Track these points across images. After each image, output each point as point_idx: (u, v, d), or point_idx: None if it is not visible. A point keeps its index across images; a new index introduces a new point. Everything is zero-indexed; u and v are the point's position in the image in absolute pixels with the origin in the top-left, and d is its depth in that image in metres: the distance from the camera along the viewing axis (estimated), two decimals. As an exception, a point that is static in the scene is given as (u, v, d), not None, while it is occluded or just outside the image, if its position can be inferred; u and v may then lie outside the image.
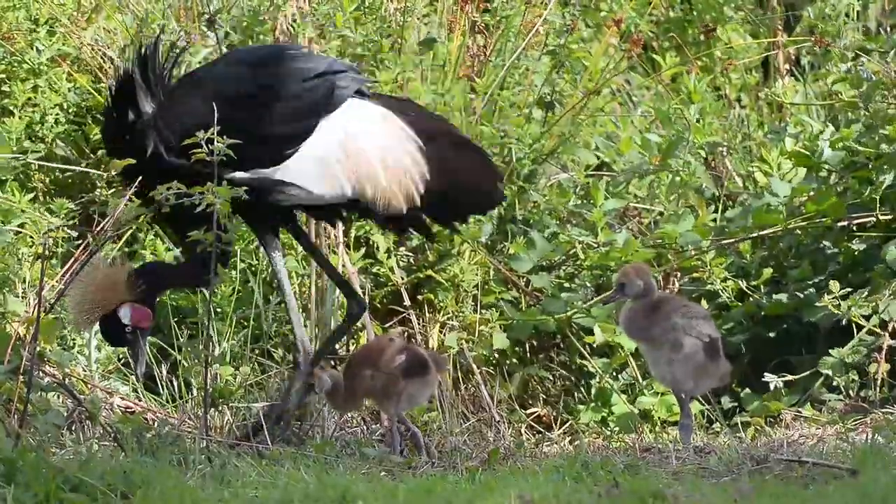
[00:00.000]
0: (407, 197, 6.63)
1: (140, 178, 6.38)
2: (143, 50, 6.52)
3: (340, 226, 7.91)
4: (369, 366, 6.79)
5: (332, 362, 7.06)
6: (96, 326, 6.68)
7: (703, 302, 8.18)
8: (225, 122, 6.31)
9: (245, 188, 6.31)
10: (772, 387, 7.77)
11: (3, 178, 8.05)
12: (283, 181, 6.54)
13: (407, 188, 6.63)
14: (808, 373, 7.84)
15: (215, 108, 6.30)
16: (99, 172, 8.19)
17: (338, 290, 7.59)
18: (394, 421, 6.89)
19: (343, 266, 7.82)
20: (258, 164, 6.50)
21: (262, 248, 6.83)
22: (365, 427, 7.19)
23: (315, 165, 6.53)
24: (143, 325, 6.58)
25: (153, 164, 6.45)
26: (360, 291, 7.62)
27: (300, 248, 7.67)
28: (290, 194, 6.55)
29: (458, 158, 6.75)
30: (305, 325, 7.85)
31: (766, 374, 7.79)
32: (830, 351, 7.79)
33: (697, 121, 8.56)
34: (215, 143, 6.18)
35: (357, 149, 6.57)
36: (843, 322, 7.75)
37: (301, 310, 7.90)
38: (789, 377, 7.80)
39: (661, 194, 8.56)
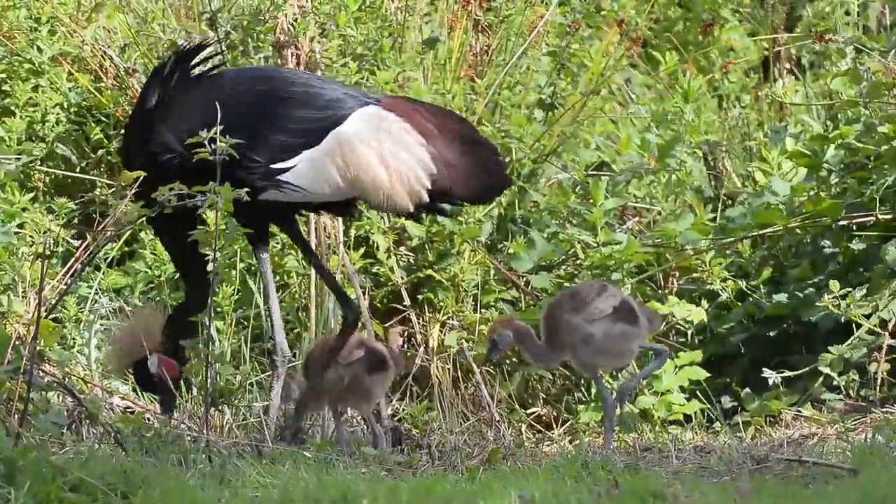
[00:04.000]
0: (412, 196, 6.65)
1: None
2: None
3: (340, 226, 7.91)
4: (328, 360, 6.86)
5: None
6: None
7: (703, 302, 8.15)
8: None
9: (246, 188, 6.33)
10: (770, 383, 7.77)
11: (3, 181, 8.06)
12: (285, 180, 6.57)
13: (412, 188, 6.65)
14: (807, 370, 7.85)
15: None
16: (96, 179, 8.20)
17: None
18: (370, 418, 6.91)
19: (343, 266, 7.82)
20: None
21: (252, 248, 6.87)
22: (365, 427, 7.18)
23: (311, 168, 6.57)
24: (173, 375, 6.68)
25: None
26: (356, 293, 7.64)
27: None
28: (292, 191, 6.58)
29: (463, 154, 6.74)
30: (306, 326, 7.84)
31: (764, 369, 7.79)
32: (830, 348, 7.78)
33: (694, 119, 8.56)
34: (218, 142, 6.19)
35: (353, 152, 6.60)
36: (843, 321, 7.75)
37: (301, 310, 7.90)
38: (787, 373, 7.80)
39: (658, 194, 8.56)
